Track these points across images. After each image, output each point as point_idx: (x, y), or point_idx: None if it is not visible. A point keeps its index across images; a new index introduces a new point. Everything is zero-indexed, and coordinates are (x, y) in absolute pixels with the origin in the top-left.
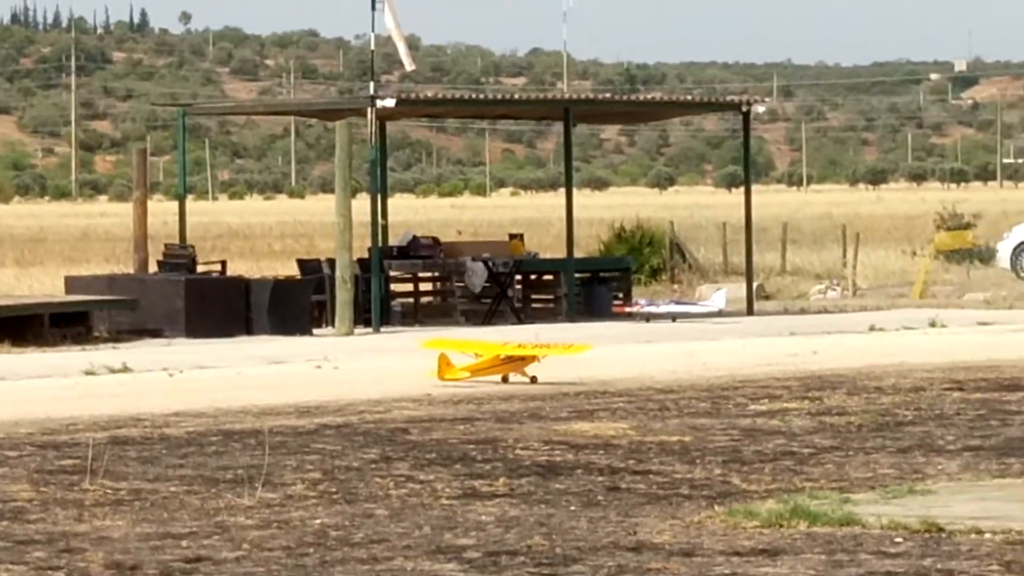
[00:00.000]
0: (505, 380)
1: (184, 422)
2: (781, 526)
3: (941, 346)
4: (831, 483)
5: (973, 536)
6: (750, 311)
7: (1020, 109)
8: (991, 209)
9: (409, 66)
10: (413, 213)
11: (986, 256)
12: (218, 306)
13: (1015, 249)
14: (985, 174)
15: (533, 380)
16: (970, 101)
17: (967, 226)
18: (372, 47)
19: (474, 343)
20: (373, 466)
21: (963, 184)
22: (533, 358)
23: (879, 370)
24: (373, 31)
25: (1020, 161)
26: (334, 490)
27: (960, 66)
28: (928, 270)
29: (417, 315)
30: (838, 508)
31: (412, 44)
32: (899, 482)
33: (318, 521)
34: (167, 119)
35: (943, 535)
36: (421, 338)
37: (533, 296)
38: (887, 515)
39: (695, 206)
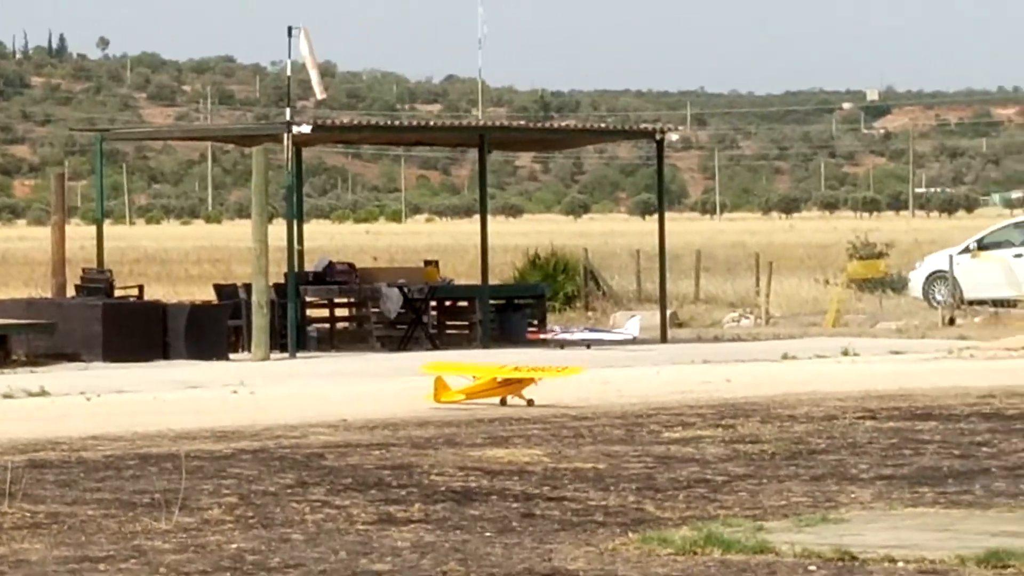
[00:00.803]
0: (503, 402)
1: (101, 446)
2: (695, 553)
3: (854, 375)
4: (745, 511)
5: (886, 564)
6: (664, 339)
7: (931, 139)
8: (903, 238)
9: (320, 94)
10: (329, 239)
11: (898, 285)
12: (135, 331)
13: (927, 278)
14: (897, 203)
15: (530, 403)
16: (882, 130)
17: (879, 255)
18: (288, 73)
19: (471, 366)
20: (289, 491)
21: (875, 213)
22: (530, 380)
23: (792, 398)
24: (289, 58)
25: (932, 190)
26: (250, 515)
27: (872, 95)
28: (841, 299)
29: (333, 340)
30: (752, 536)
31: (328, 71)
32: (812, 510)
33: (234, 545)
34: (85, 144)
35: (856, 563)
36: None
37: (448, 322)
38: (800, 543)
39: (609, 233)
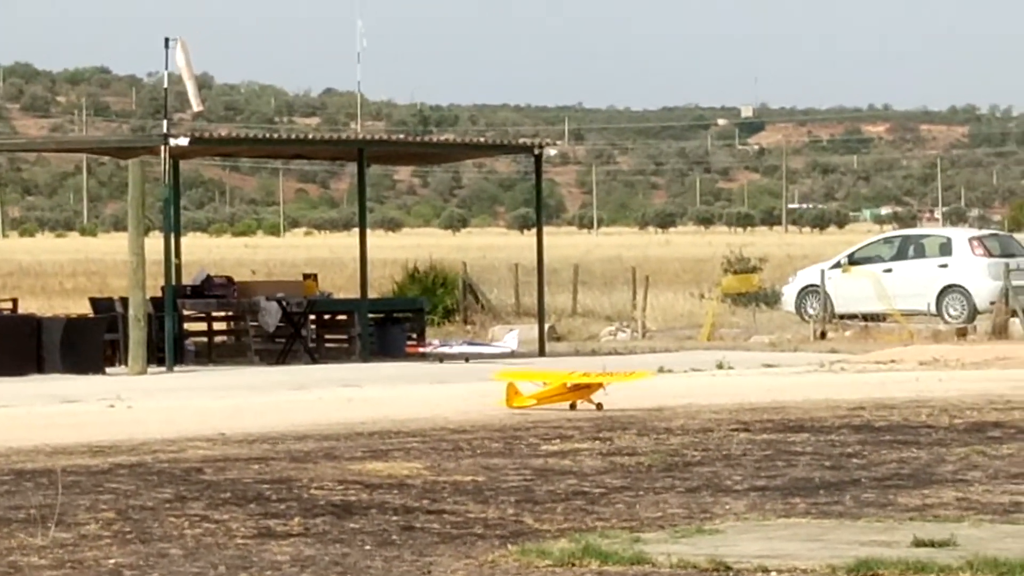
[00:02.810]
0: (573, 407)
1: None
2: (573, 565)
3: (728, 388)
4: (622, 522)
5: (759, 574)
6: (542, 352)
7: (804, 155)
8: (776, 253)
9: (197, 107)
10: (207, 252)
11: (771, 299)
12: (9, 344)
13: (799, 293)
14: (770, 218)
15: (599, 407)
16: (756, 147)
17: (753, 270)
18: (165, 85)
19: (542, 373)
20: (167, 506)
21: (749, 228)
22: (599, 385)
23: (668, 411)
24: (166, 69)
25: (804, 206)
26: (128, 530)
27: (747, 112)
28: (715, 313)
29: (211, 354)
30: (629, 547)
31: (205, 83)
32: (688, 521)
33: (112, 561)
34: None
35: (730, 573)
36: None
37: (327, 336)
38: (676, 554)
39: (488, 247)
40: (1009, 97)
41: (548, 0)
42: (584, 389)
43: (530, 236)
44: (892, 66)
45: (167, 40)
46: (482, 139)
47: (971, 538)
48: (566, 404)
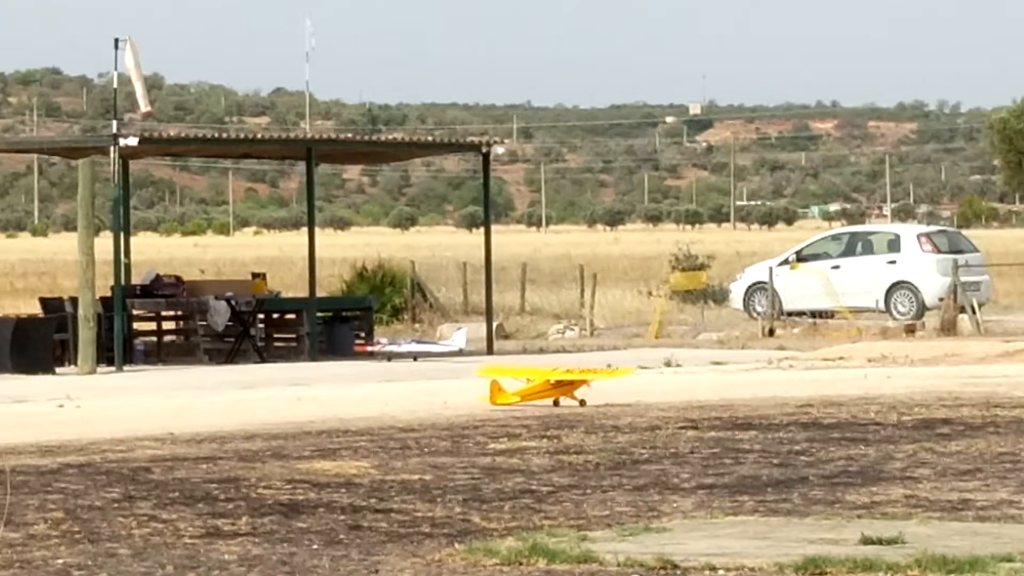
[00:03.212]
0: (556, 404)
1: None
2: (520, 564)
3: (676, 385)
4: (569, 521)
5: (707, 573)
6: (490, 350)
7: (752, 152)
8: (724, 250)
9: (144, 107)
10: (156, 252)
11: (719, 297)
12: None
13: (748, 290)
14: (719, 216)
15: (582, 403)
16: (704, 144)
17: (701, 267)
18: (115, 85)
19: (525, 369)
20: (116, 505)
21: (698, 225)
22: (582, 382)
23: (616, 409)
24: (116, 69)
25: (752, 203)
26: (77, 529)
27: (695, 109)
28: (663, 310)
29: (160, 354)
30: (576, 546)
31: (155, 83)
32: (635, 520)
33: (61, 561)
34: None
35: (678, 572)
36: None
37: (276, 335)
38: (624, 552)
39: (437, 246)
40: (957, 94)
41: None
42: (568, 385)
43: (479, 235)
44: (840, 63)
45: (117, 41)
46: (430, 138)
47: (919, 535)
48: (550, 401)
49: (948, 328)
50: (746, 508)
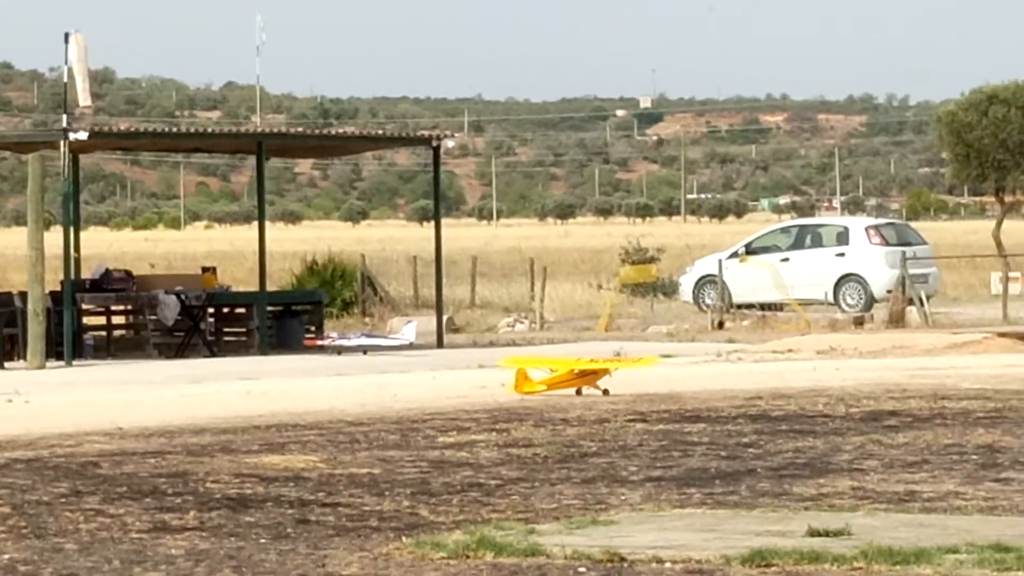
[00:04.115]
0: (579, 392)
1: None
2: (468, 557)
3: (625, 378)
4: (517, 514)
5: (654, 565)
6: (440, 344)
7: (703, 145)
8: (674, 243)
9: (84, 102)
10: (107, 246)
11: (669, 289)
12: None
13: (697, 282)
14: (669, 209)
15: (605, 392)
16: (655, 137)
17: (651, 260)
18: (66, 80)
19: (549, 359)
20: (63, 500)
21: (648, 219)
22: (605, 371)
23: (564, 402)
24: (66, 64)
25: (703, 196)
26: (23, 525)
27: (645, 103)
28: (613, 303)
29: (110, 348)
30: (523, 539)
31: (106, 77)
32: (583, 513)
33: (7, 556)
34: None
35: (625, 564)
36: (504, 357)
37: (226, 329)
38: (571, 545)
39: (387, 240)
40: (906, 86)
41: None
42: (591, 375)
43: (430, 228)
44: (790, 56)
45: (67, 35)
46: (381, 132)
47: (866, 527)
48: (572, 390)
49: (896, 320)
50: (694, 500)
